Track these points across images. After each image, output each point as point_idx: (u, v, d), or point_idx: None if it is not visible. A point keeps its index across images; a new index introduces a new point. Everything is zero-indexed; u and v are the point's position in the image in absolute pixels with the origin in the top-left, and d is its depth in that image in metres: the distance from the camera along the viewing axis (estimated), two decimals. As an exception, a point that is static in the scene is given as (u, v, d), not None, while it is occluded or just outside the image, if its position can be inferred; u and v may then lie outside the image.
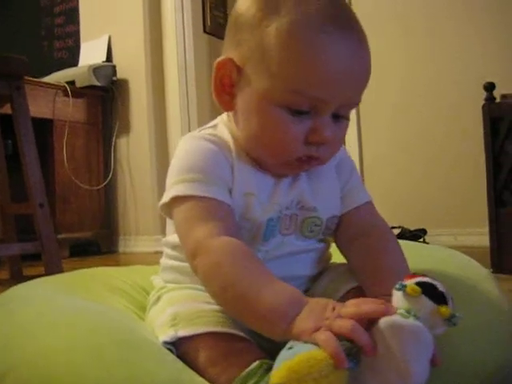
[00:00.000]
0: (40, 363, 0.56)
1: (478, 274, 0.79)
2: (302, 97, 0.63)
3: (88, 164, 3.38)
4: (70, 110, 3.22)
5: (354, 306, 0.52)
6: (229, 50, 0.70)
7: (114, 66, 3.47)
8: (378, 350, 0.51)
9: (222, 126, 0.75)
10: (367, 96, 2.48)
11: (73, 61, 3.64)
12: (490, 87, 1.91)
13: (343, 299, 0.69)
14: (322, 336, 0.49)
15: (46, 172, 2.11)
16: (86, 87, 3.32)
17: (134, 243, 3.40)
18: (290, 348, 0.52)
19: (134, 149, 3.42)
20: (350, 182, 0.79)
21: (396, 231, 2.43)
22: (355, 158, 2.91)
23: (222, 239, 0.62)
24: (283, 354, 0.51)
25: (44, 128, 3.05)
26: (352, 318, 0.50)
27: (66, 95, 3.20)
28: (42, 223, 1.79)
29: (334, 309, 0.53)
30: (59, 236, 2.77)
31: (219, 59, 0.69)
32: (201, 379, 0.58)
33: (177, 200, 0.67)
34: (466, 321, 0.65)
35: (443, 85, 2.69)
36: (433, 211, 2.70)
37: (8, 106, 1.96)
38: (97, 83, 3.30)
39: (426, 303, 0.53)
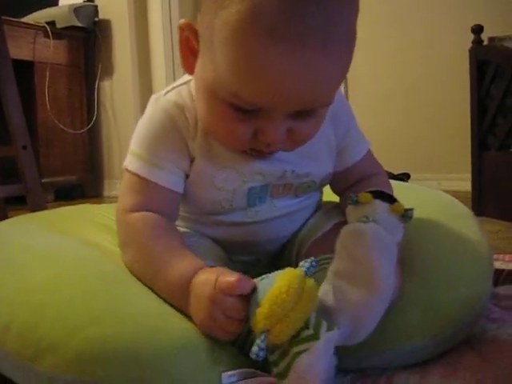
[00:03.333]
0: (25, 295, 0.57)
1: (461, 212, 0.81)
2: (243, 101, 0.56)
3: (71, 107, 3.32)
4: (51, 52, 3.14)
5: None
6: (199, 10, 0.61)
7: (96, 6, 3.36)
8: (343, 259, 0.53)
9: (193, 86, 0.69)
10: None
11: (53, 0, 3.52)
12: (477, 30, 1.89)
13: (330, 233, 0.72)
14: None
15: (28, 115, 2.07)
16: (67, 28, 3.22)
17: (118, 187, 3.38)
18: (262, 279, 0.54)
19: (117, 91, 3.36)
20: (348, 135, 0.75)
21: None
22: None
23: (138, 214, 0.66)
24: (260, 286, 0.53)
25: (25, 70, 2.97)
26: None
27: (47, 36, 3.11)
28: (25, 165, 1.77)
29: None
30: (43, 180, 2.75)
31: (181, 22, 0.62)
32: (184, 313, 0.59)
33: (124, 169, 0.70)
34: (448, 255, 0.68)
35: (430, 28, 2.65)
36: (417, 156, 2.72)
37: (-13, 46, 1.91)
38: (78, 24, 3.21)
39: (380, 205, 0.55)
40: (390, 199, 0.58)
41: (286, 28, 0.50)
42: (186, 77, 0.70)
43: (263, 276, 0.55)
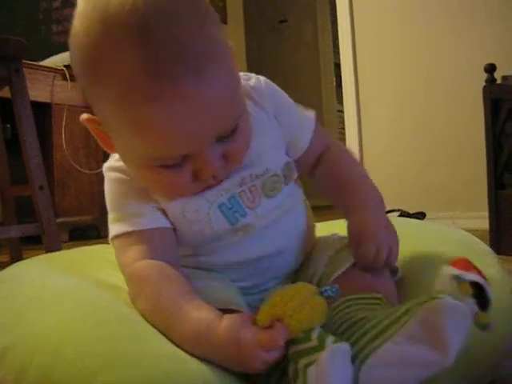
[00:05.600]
0: (43, 337, 0.56)
1: (481, 250, 0.80)
2: (165, 160, 0.59)
3: (87, 148, 3.37)
4: (69, 94, 3.20)
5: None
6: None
7: (113, 50, 3.44)
8: (423, 325, 0.51)
9: None
10: (367, 81, 2.48)
11: (71, 44, 3.61)
12: (490, 69, 1.90)
13: (348, 272, 0.69)
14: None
15: (45, 156, 2.09)
16: (85, 71, 3.30)
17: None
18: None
19: (133, 132, 3.40)
20: (293, 125, 0.76)
21: (395, 214, 2.43)
22: (354, 140, 2.91)
23: (142, 263, 0.65)
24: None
25: (42, 112, 3.03)
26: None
27: (65, 79, 3.18)
28: (42, 205, 1.79)
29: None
30: (58, 220, 2.77)
31: (81, 118, 0.65)
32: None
33: (111, 240, 0.70)
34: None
35: (443, 67, 2.68)
36: (432, 195, 2.70)
37: (6, 89, 1.95)
38: (95, 66, 3.28)
39: (471, 305, 0.54)
40: (484, 303, 0.56)
41: (155, 81, 0.52)
42: None
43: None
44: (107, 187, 0.72)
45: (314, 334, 0.51)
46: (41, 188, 1.82)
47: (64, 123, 3.16)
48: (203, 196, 0.68)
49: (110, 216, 0.71)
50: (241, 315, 0.56)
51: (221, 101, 0.56)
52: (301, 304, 0.52)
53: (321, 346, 0.49)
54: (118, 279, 0.77)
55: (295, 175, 0.78)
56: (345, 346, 0.50)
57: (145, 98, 0.53)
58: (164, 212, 0.70)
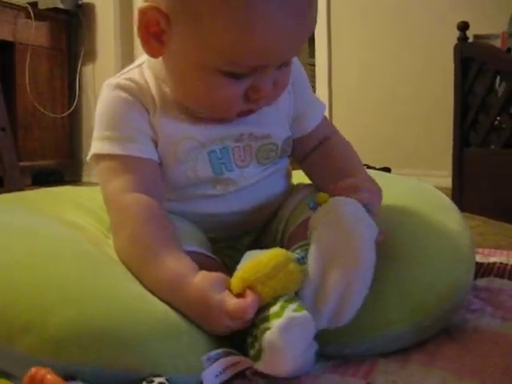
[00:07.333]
0: (4, 271, 0.56)
1: (445, 204, 0.81)
2: (240, 66, 0.58)
3: (52, 91, 3.28)
4: (33, 34, 3.09)
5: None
6: None
7: (80, -11, 3.33)
8: (325, 235, 0.55)
9: (146, 68, 0.69)
10: (340, 34, 2.44)
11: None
12: (463, 26, 1.89)
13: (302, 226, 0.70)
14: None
15: (8, 97, 2.02)
16: (50, 10, 3.18)
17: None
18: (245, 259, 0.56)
19: (99, 76, 3.32)
20: (305, 100, 0.76)
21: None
22: (324, 94, 2.89)
23: (130, 196, 0.64)
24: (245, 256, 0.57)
25: (4, 51, 2.93)
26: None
27: (29, 17, 3.06)
28: (3, 148, 1.74)
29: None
30: (21, 163, 2.71)
31: (143, 6, 0.60)
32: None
33: (96, 157, 0.67)
34: (430, 243, 0.68)
35: (417, 23, 2.66)
36: (398, 151, 2.73)
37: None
38: (61, 6, 3.18)
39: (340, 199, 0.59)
40: None
41: None
42: (137, 62, 0.71)
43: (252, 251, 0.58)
44: (105, 104, 0.68)
45: (281, 300, 0.51)
46: (3, 129, 1.77)
47: (28, 64, 3.06)
48: (197, 138, 0.68)
49: (101, 133, 0.67)
50: (216, 275, 0.55)
51: (310, 27, 0.59)
52: (275, 270, 0.51)
53: (279, 314, 0.49)
54: (84, 221, 0.76)
55: (290, 151, 0.78)
56: (304, 315, 0.50)
57: None
58: (156, 145, 0.68)
